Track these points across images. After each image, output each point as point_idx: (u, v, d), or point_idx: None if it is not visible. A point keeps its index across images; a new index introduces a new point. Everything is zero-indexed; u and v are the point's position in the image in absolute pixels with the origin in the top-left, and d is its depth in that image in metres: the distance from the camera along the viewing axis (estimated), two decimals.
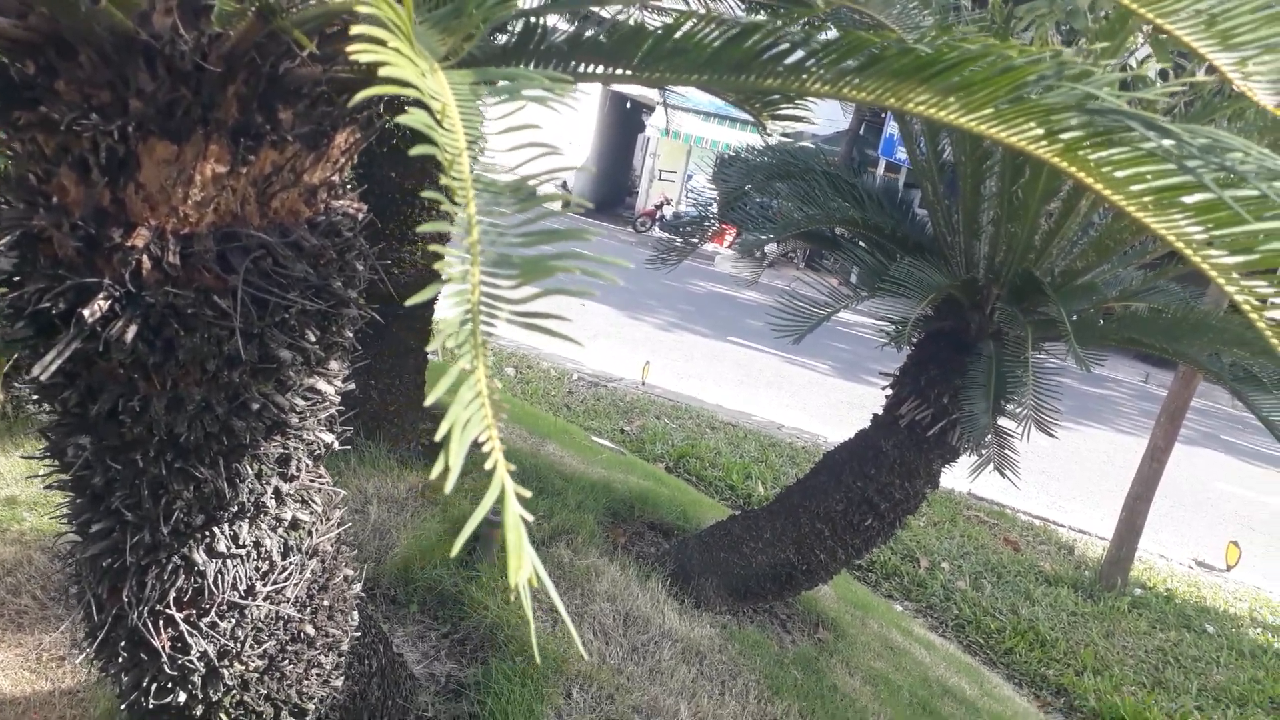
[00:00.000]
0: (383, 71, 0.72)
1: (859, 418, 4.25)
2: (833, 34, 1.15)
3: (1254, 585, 7.88)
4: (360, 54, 0.75)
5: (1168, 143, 0.97)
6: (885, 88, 1.09)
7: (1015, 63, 1.00)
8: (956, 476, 3.93)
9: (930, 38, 1.12)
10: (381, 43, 0.77)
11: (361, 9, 0.80)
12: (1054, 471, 9.71)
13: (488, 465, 0.69)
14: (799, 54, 1.10)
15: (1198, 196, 1.02)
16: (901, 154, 18.62)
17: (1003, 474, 3.58)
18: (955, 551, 7.16)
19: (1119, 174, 1.04)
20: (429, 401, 0.66)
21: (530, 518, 0.68)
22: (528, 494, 0.69)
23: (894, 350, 3.62)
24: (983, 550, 7.28)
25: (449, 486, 0.63)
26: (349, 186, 1.73)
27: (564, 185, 23.36)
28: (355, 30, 0.75)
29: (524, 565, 0.63)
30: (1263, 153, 0.95)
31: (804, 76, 1.12)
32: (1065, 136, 1.03)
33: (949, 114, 1.08)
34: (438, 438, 0.64)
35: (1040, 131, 1.05)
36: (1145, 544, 7.43)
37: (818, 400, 10.72)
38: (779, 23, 1.06)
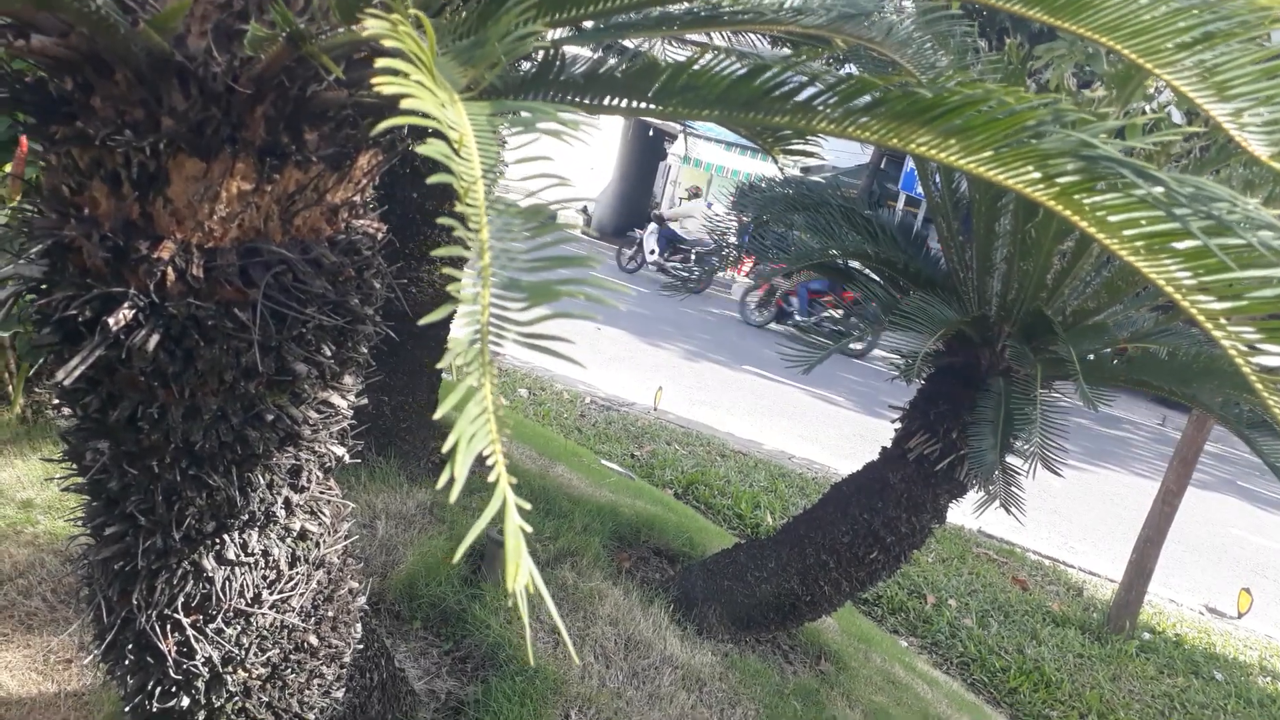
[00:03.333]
0: (404, 104, 0.76)
1: (870, 450, 4.26)
2: (849, 71, 1.19)
3: (1265, 634, 7.78)
4: (383, 86, 0.79)
5: (1157, 190, 1.00)
6: (889, 128, 1.13)
7: (1013, 109, 1.04)
8: (966, 513, 3.93)
9: (944, 79, 1.16)
10: (404, 75, 0.81)
11: (387, 42, 0.84)
12: (1065, 511, 9.65)
13: (491, 477, 0.73)
14: (807, 93, 1.15)
15: (1187, 243, 1.05)
16: (921, 189, 18.71)
17: (1009, 511, 3.58)
18: (963, 589, 7.12)
19: (1112, 219, 1.07)
20: (438, 415, 0.69)
21: (529, 528, 0.71)
22: (527, 506, 0.72)
23: (905, 384, 3.63)
24: (990, 588, 7.23)
25: (454, 496, 0.66)
26: (370, 206, 1.78)
27: (584, 210, 23.50)
28: (380, 63, 0.80)
29: (521, 572, 0.66)
30: (1247, 203, 0.98)
31: (811, 115, 1.16)
32: (1061, 181, 1.06)
33: (949, 155, 1.12)
34: (444, 450, 0.68)
35: (1037, 175, 1.08)
36: (1156, 588, 7.36)
37: (830, 432, 10.71)
38: (788, 62, 1.10)
